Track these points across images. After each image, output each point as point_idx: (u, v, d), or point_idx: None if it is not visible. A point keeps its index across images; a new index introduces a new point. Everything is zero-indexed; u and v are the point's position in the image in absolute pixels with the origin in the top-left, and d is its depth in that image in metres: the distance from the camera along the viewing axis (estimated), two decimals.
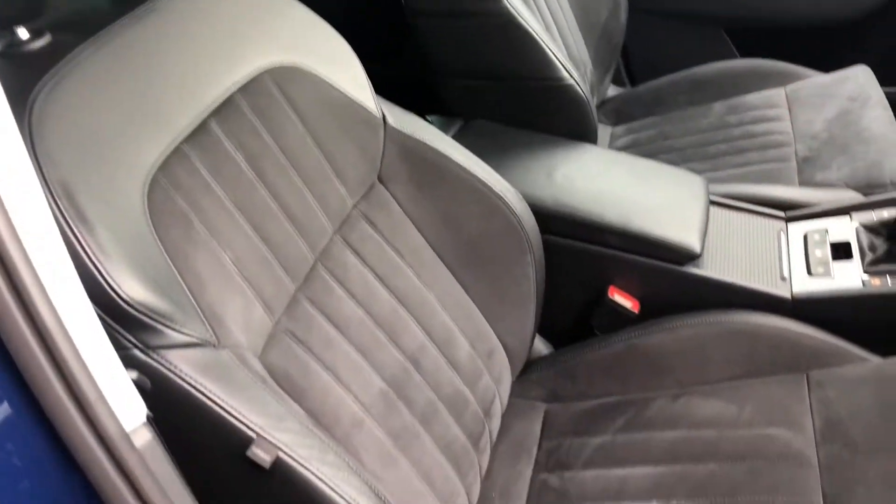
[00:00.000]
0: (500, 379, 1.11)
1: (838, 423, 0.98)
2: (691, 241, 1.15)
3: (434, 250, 1.05)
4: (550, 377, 1.19)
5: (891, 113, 1.46)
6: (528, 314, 1.13)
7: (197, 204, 0.78)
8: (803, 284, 1.13)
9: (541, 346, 1.25)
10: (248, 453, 0.67)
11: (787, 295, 1.12)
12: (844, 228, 1.20)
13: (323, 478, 0.69)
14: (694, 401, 1.08)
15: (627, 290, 1.18)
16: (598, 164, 1.30)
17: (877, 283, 1.10)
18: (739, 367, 1.09)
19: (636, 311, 1.18)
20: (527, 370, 1.20)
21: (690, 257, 1.15)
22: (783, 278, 1.15)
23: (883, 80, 1.56)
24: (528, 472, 1.08)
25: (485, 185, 1.04)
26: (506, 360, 1.13)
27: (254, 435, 0.67)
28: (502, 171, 1.09)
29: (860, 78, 1.56)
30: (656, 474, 1.01)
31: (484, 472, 1.06)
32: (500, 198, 1.05)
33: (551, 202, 1.21)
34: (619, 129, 1.73)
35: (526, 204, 1.09)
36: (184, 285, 0.72)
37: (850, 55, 1.67)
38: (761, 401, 1.05)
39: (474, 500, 1.02)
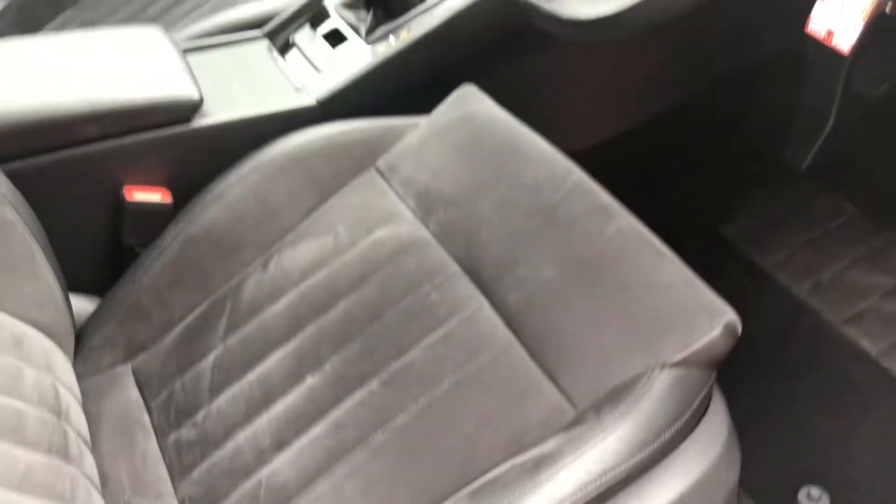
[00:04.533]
0: (50, 366, 0.81)
1: (427, 192, 0.89)
2: (187, 90, 0.94)
3: None
4: (117, 330, 0.91)
5: None
6: (40, 271, 0.84)
7: None
8: (320, 85, 1.03)
9: (86, 305, 0.95)
10: None
11: (312, 102, 1.00)
12: (328, 19, 1.11)
13: None
14: (285, 256, 0.91)
15: (146, 181, 0.93)
16: (24, 55, 0.99)
17: (383, 50, 1.03)
18: (309, 198, 0.94)
19: (169, 200, 0.94)
20: (84, 340, 0.91)
21: (194, 108, 0.94)
22: (298, 89, 1.02)
23: None
24: (153, 445, 0.82)
25: None
26: (46, 340, 0.84)
27: None
28: None
29: None
30: (292, 351, 0.83)
31: (97, 480, 0.77)
32: None
33: None
34: None
35: None
36: None
37: None
38: (348, 214, 0.91)
39: None
